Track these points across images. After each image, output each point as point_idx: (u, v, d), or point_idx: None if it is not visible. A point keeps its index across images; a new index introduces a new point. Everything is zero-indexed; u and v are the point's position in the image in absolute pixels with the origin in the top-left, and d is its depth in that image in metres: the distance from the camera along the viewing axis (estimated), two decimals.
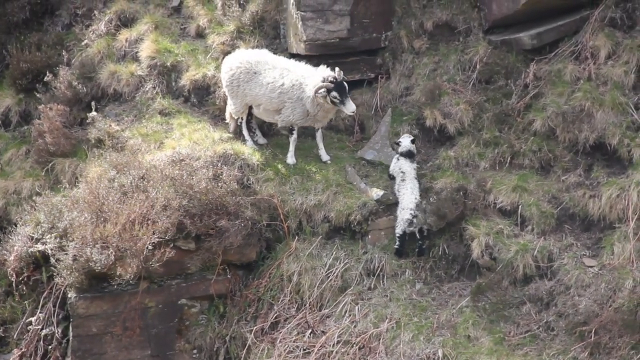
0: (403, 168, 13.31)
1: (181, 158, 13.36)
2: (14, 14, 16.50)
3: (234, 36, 15.39)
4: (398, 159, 13.45)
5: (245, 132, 14.16)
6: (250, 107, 14.06)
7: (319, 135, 13.98)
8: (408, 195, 13.03)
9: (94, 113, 14.70)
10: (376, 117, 14.55)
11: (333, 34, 14.53)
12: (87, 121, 14.70)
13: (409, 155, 13.43)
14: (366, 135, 14.50)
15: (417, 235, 12.94)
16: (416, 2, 14.91)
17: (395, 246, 12.97)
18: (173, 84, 15.24)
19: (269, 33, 15.44)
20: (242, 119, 14.14)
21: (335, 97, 13.12)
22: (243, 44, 15.12)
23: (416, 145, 13.69)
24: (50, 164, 14.44)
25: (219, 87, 14.71)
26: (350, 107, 13.18)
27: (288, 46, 15.16)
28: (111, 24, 16.02)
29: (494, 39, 14.31)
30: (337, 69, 13.26)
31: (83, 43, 15.96)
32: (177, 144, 13.90)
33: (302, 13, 14.54)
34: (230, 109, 14.17)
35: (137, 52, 15.50)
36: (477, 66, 14.16)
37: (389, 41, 14.83)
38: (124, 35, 15.77)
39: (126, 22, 16.05)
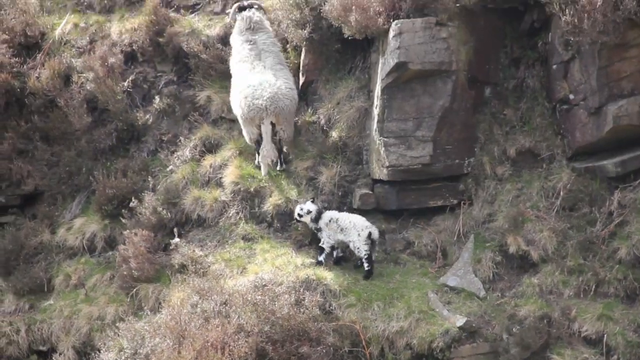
0: (333, 219, 14.78)
1: (264, 283, 13.97)
2: (100, 141, 17.58)
3: (316, 162, 16.20)
4: (322, 226, 14.87)
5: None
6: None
7: None
8: (358, 219, 14.50)
9: (177, 239, 15.70)
10: (459, 243, 15.10)
11: (416, 160, 15.23)
12: (171, 247, 15.62)
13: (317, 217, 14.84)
14: (448, 262, 15.02)
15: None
16: (499, 129, 15.63)
17: (367, 268, 14.45)
18: (256, 209, 15.91)
19: (351, 159, 16.18)
20: None
21: None
22: (326, 170, 15.97)
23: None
24: (134, 290, 15.25)
25: None
26: None
27: (371, 172, 15.90)
28: (196, 149, 16.95)
29: (577, 166, 14.92)
30: None
31: (168, 169, 16.94)
32: (260, 269, 14.59)
33: (385, 139, 15.32)
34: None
35: (221, 178, 16.29)
36: (561, 193, 14.74)
37: (471, 167, 15.46)
38: (209, 160, 16.65)
39: (211, 148, 16.94)
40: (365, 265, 14.60)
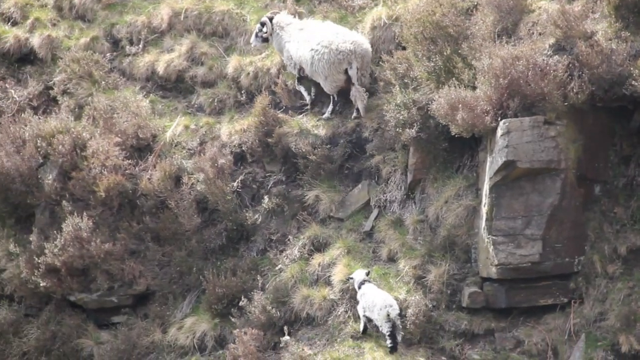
0: (365, 293, 15.74)
1: None
2: (210, 241, 18.43)
3: (424, 260, 16.71)
4: (359, 297, 15.92)
5: None
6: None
7: None
8: (379, 299, 15.40)
9: (287, 337, 16.36)
10: (569, 342, 15.39)
11: (525, 259, 15.64)
12: (280, 345, 16.30)
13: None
14: None
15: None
16: (609, 227, 15.96)
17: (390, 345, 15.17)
18: None
19: (460, 257, 16.65)
20: None
21: None
22: (434, 269, 16.50)
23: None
24: None
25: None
26: None
27: (479, 270, 16.34)
28: (304, 248, 17.72)
29: None
30: None
31: (277, 268, 17.71)
32: None
33: (494, 237, 15.78)
34: None
35: (329, 277, 17.04)
36: None
37: (581, 266, 15.78)
38: (317, 259, 17.40)
39: (319, 246, 17.68)
40: (388, 342, 15.46)
